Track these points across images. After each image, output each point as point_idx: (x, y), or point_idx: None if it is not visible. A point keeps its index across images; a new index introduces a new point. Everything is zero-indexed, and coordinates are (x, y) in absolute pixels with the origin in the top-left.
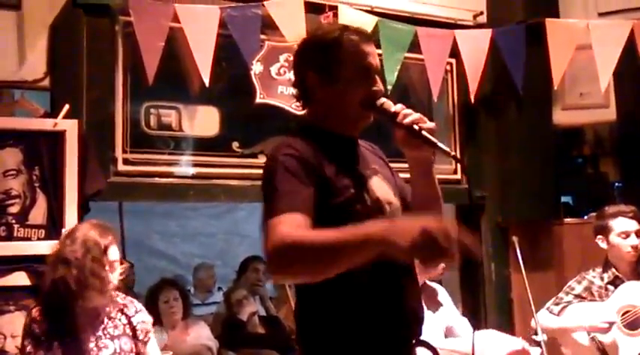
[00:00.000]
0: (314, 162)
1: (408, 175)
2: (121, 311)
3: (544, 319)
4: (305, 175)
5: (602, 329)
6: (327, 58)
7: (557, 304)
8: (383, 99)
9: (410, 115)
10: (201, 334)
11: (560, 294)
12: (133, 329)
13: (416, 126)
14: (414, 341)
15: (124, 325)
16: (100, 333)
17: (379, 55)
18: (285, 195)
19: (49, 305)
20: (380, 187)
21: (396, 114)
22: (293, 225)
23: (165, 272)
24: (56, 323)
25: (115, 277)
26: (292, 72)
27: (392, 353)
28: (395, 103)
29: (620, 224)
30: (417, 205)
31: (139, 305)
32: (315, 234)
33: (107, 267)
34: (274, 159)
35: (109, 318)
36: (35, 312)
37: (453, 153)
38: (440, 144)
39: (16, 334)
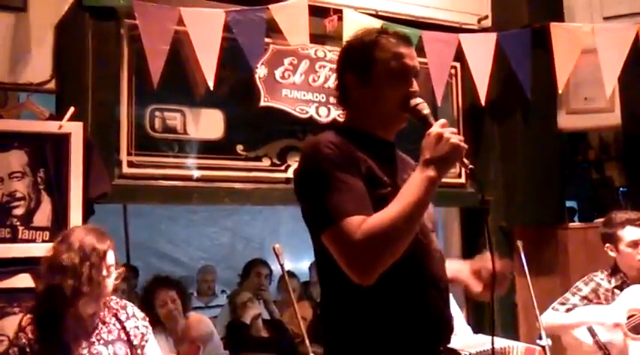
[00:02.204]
0: (354, 156)
1: None
2: (115, 315)
3: (550, 317)
4: (353, 171)
5: (607, 326)
6: (365, 58)
7: (563, 304)
8: (417, 100)
9: (455, 137)
10: (209, 336)
11: (567, 295)
12: (127, 334)
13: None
14: (442, 349)
15: (119, 330)
16: (93, 339)
17: None
18: (344, 195)
19: (42, 314)
20: None
21: (427, 119)
22: (361, 222)
23: (169, 274)
24: (48, 331)
25: (110, 282)
26: (336, 73)
27: None
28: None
29: (629, 233)
30: None
31: (133, 309)
32: (382, 215)
33: (104, 273)
34: (317, 156)
35: (103, 323)
36: (25, 321)
37: (470, 167)
38: (464, 159)
39: None
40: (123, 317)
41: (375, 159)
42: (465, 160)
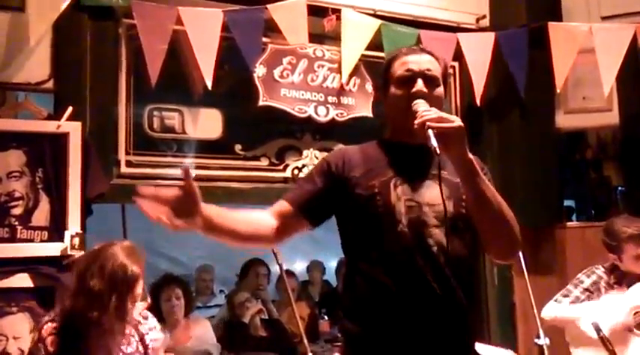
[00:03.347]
0: (343, 166)
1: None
2: (135, 327)
3: (552, 309)
4: (317, 175)
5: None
6: (382, 74)
7: (565, 296)
8: (417, 101)
9: (425, 116)
10: (205, 336)
11: (569, 286)
12: (145, 347)
13: (427, 125)
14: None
15: (137, 342)
16: (112, 351)
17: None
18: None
19: (66, 328)
20: (430, 190)
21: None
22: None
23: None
24: (70, 346)
25: (136, 312)
26: None
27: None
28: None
29: (633, 248)
30: (469, 207)
31: (154, 322)
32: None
33: (130, 305)
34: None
35: (122, 335)
36: (47, 331)
37: (434, 147)
38: (432, 141)
39: (18, 335)
40: (143, 329)
41: (394, 165)
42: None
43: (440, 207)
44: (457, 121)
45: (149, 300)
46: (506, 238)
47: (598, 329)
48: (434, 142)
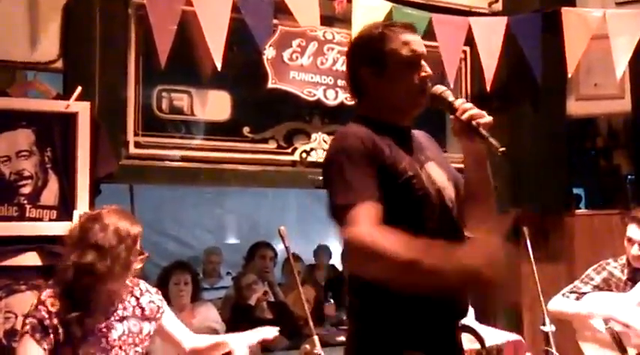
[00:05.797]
0: (375, 149)
1: (461, 166)
2: (130, 292)
3: (559, 304)
4: (369, 164)
5: (619, 322)
6: (376, 51)
7: (573, 292)
8: (442, 88)
9: (469, 110)
10: (208, 316)
11: (578, 283)
12: (142, 310)
13: (474, 122)
14: (458, 326)
15: (133, 307)
16: (110, 316)
17: None
18: (355, 185)
19: (66, 289)
20: (435, 172)
21: (454, 107)
22: (372, 219)
23: (175, 255)
24: (70, 306)
25: (136, 266)
26: (347, 72)
27: (435, 336)
28: (455, 95)
29: (630, 230)
30: (469, 197)
31: (146, 286)
32: (395, 243)
33: (134, 257)
34: (339, 148)
35: (120, 301)
36: (45, 295)
37: (501, 149)
38: (491, 140)
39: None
40: (137, 293)
41: (394, 146)
42: (495, 142)
43: (448, 189)
44: (487, 115)
45: (146, 253)
46: (492, 215)
47: (606, 322)
48: (493, 141)
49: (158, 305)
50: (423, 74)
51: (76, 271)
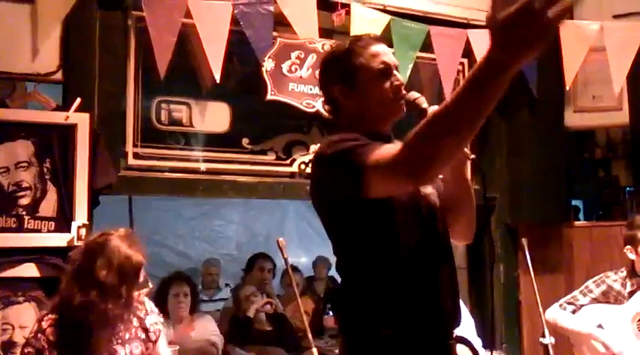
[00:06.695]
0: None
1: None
2: (134, 313)
3: (555, 315)
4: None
5: (599, 342)
6: (345, 68)
7: (571, 303)
8: (416, 95)
9: None
10: (207, 328)
11: (577, 294)
12: (146, 331)
13: None
14: (450, 342)
15: (136, 328)
16: (112, 339)
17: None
18: (364, 147)
19: (66, 318)
20: None
21: (427, 113)
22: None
23: (174, 266)
24: (71, 335)
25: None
26: (321, 91)
27: (431, 349)
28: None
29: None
30: (447, 204)
31: (151, 305)
32: (420, 125)
33: (136, 292)
34: (329, 142)
35: (122, 322)
36: (47, 322)
37: (472, 157)
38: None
39: (24, 325)
40: (142, 313)
41: None
42: (466, 150)
43: (433, 195)
44: None
45: (150, 285)
46: (474, 220)
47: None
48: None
49: (159, 329)
50: (395, 83)
51: (78, 306)
